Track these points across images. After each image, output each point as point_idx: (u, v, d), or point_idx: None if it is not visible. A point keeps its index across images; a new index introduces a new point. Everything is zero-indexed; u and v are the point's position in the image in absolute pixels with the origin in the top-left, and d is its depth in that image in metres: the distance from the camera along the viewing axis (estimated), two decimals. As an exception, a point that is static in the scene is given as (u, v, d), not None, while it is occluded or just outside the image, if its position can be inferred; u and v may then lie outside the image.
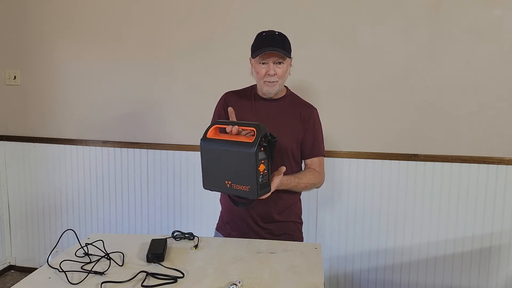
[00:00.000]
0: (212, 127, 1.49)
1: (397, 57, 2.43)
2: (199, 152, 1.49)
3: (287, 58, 1.63)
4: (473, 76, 2.36)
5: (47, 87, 2.90)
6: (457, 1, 2.33)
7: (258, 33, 1.67)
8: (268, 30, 1.66)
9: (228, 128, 1.46)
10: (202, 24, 2.63)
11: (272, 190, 1.48)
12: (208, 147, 1.46)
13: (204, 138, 1.47)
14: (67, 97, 2.88)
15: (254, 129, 1.41)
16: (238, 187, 1.42)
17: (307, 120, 1.72)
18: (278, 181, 1.51)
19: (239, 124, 1.47)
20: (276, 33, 1.65)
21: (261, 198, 1.44)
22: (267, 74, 1.62)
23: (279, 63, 1.62)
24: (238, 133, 1.46)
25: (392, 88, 2.46)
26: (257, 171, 1.38)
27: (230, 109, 1.64)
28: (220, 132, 1.50)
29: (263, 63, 1.62)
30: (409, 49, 2.41)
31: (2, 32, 2.91)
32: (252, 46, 1.66)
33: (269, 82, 1.63)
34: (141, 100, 2.78)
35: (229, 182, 1.43)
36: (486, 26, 2.32)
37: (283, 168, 1.57)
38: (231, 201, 1.62)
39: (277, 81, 1.64)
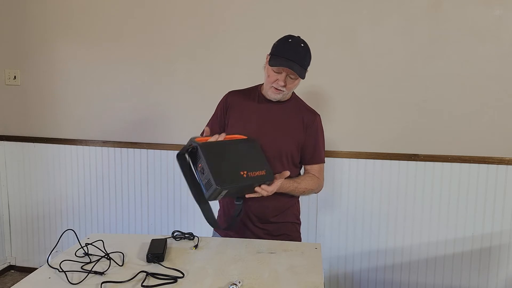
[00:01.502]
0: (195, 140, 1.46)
1: (397, 57, 2.43)
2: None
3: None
4: (473, 76, 2.36)
5: (47, 87, 2.90)
6: (457, 1, 2.33)
7: (285, 37, 1.61)
8: (296, 38, 1.60)
9: (213, 138, 1.47)
10: (203, 24, 2.63)
11: (273, 191, 1.50)
12: (208, 146, 1.42)
13: (199, 144, 1.42)
14: (67, 97, 2.88)
15: (241, 136, 1.53)
16: (255, 173, 1.44)
17: (310, 126, 1.71)
18: (278, 184, 1.52)
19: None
20: (302, 44, 1.58)
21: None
22: (277, 81, 1.60)
23: (293, 77, 1.59)
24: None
25: (392, 88, 2.46)
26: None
27: (206, 129, 1.60)
28: None
29: (277, 72, 1.59)
30: (409, 49, 2.41)
31: (2, 32, 2.91)
32: (274, 47, 1.61)
33: (276, 89, 1.62)
34: (141, 100, 2.78)
35: (245, 172, 1.42)
36: (486, 26, 2.32)
37: (287, 173, 1.57)
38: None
39: (284, 91, 1.62)
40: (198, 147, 1.40)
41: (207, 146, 1.42)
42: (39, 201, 3.00)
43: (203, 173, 1.39)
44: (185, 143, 1.46)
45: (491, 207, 2.41)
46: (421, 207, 2.48)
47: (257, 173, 1.44)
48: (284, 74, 1.57)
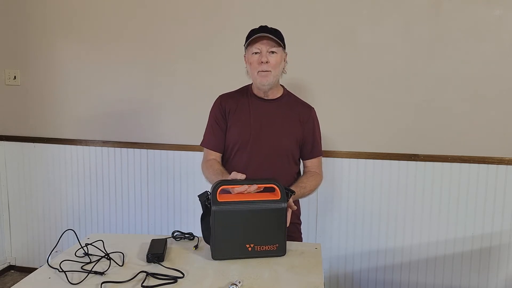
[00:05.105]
0: (219, 189, 1.35)
1: (396, 57, 2.43)
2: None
3: (280, 47, 1.64)
4: (473, 76, 2.36)
5: (47, 87, 2.90)
6: (457, 1, 2.33)
7: (251, 30, 1.70)
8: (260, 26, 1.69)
9: (242, 188, 1.38)
10: (202, 25, 2.63)
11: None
12: (224, 212, 1.33)
13: (217, 203, 1.33)
14: (67, 97, 2.88)
15: (275, 185, 1.38)
16: (263, 248, 1.37)
17: (306, 121, 1.72)
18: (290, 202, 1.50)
19: (249, 183, 1.39)
20: (269, 26, 1.67)
21: None
22: (260, 62, 1.61)
23: (272, 52, 1.62)
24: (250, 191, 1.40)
25: (392, 88, 2.46)
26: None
27: (234, 174, 1.50)
28: (222, 193, 1.39)
29: (255, 53, 1.63)
30: (408, 49, 2.41)
31: (2, 32, 2.91)
32: (245, 40, 1.69)
33: (262, 71, 1.62)
34: (141, 100, 2.78)
35: (252, 245, 1.36)
36: (486, 26, 2.32)
37: (294, 207, 1.53)
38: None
39: (270, 71, 1.63)
40: (213, 213, 1.33)
41: (224, 213, 1.33)
42: (39, 201, 3.00)
43: (208, 230, 1.38)
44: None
45: (491, 207, 2.40)
46: (421, 207, 2.48)
47: (266, 247, 1.36)
48: (263, 50, 1.62)
